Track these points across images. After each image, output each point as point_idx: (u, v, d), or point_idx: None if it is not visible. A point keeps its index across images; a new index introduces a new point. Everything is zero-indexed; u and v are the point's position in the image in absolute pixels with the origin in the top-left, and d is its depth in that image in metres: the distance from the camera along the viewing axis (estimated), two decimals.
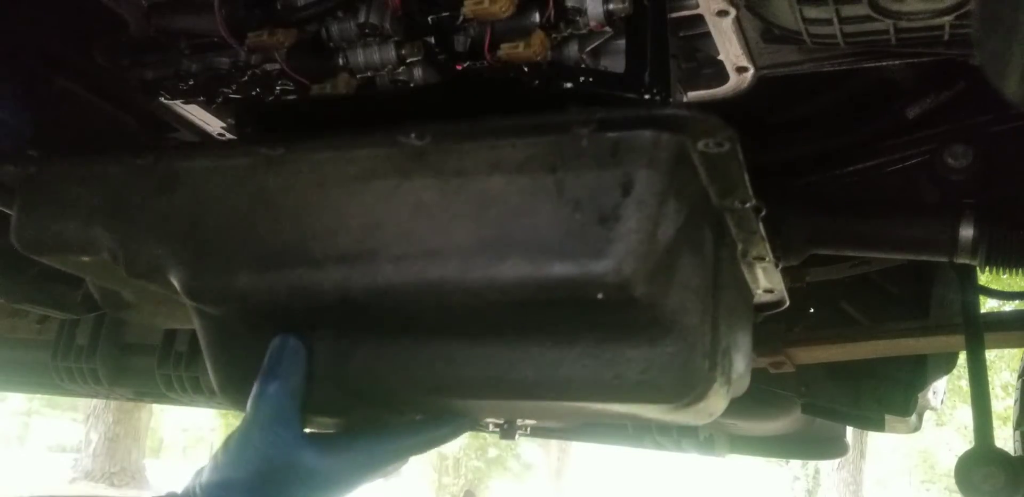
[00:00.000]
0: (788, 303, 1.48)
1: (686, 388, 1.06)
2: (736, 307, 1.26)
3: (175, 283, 1.15)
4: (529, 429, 3.08)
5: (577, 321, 1.05)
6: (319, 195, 1.09)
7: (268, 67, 1.52)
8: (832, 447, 3.08)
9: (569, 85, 1.39)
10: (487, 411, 1.50)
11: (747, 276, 1.34)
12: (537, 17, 1.35)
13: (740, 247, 1.24)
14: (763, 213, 1.17)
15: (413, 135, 1.04)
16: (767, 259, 1.29)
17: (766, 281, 1.38)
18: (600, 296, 0.96)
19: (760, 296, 1.43)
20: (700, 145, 0.99)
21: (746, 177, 1.09)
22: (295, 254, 1.08)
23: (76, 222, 1.20)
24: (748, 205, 1.15)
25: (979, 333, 1.99)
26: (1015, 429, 2.77)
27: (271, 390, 1.16)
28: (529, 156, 1.01)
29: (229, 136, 1.85)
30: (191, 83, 1.56)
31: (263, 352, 1.17)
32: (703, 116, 0.96)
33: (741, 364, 1.30)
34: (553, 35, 1.37)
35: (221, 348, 1.23)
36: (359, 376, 1.16)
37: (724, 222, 1.17)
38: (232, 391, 1.25)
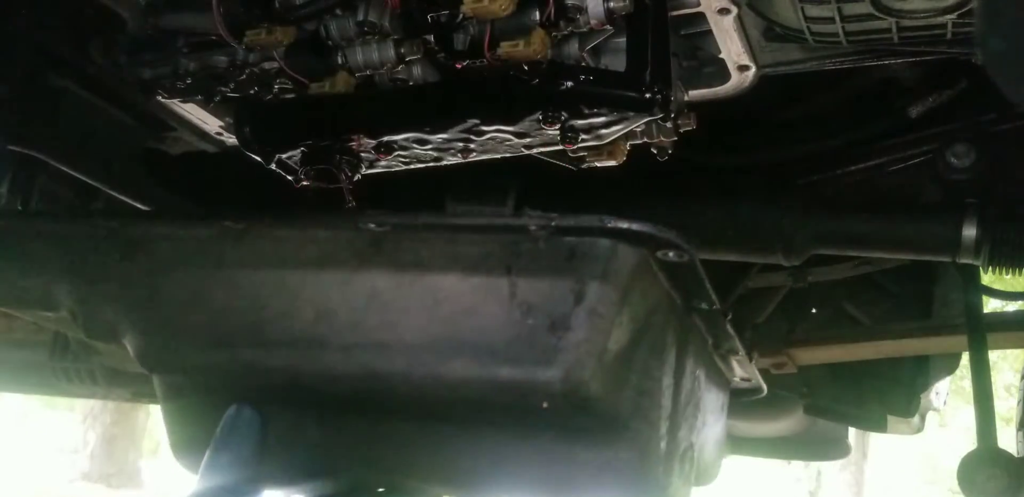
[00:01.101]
0: (766, 391, 1.47)
1: (640, 493, 1.06)
2: (705, 400, 1.24)
3: (129, 349, 1.15)
4: None
5: (532, 418, 1.03)
6: (277, 274, 1.08)
7: (266, 66, 1.51)
8: (834, 448, 3.07)
9: (569, 84, 1.38)
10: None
11: (721, 366, 1.33)
12: (537, 15, 1.34)
13: (711, 341, 1.23)
14: (729, 316, 1.16)
15: (373, 224, 1.03)
16: (740, 353, 1.28)
17: (741, 371, 1.36)
18: (545, 404, 0.95)
19: (737, 383, 1.42)
20: (659, 254, 0.98)
21: (707, 285, 1.07)
22: (248, 333, 1.08)
23: (40, 280, 1.20)
24: (714, 308, 1.13)
25: (982, 333, 1.99)
26: (1018, 430, 2.76)
27: (223, 460, 1.14)
28: (486, 254, 0.99)
29: (227, 135, 1.84)
30: (189, 82, 1.55)
31: (218, 418, 1.16)
32: (662, 232, 0.95)
33: (710, 454, 1.28)
34: (553, 33, 1.36)
35: (176, 411, 1.22)
36: (312, 451, 1.15)
37: (692, 321, 1.15)
38: (185, 455, 1.23)
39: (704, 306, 1.11)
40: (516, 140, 1.53)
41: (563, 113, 1.40)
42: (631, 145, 1.62)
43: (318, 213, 1.13)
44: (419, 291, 1.01)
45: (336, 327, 1.04)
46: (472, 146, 1.56)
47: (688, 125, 1.61)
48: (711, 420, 1.28)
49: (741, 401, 2.94)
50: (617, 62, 1.42)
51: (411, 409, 1.07)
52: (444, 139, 1.53)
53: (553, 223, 0.96)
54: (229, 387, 1.13)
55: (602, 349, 0.94)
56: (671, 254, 0.97)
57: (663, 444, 1.07)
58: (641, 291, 0.99)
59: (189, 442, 1.21)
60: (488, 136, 1.52)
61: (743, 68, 1.55)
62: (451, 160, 1.62)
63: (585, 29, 1.36)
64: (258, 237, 1.10)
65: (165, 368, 1.15)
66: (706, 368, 1.24)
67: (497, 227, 0.99)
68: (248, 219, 1.10)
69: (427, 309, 1.00)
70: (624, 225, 0.94)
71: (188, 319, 1.11)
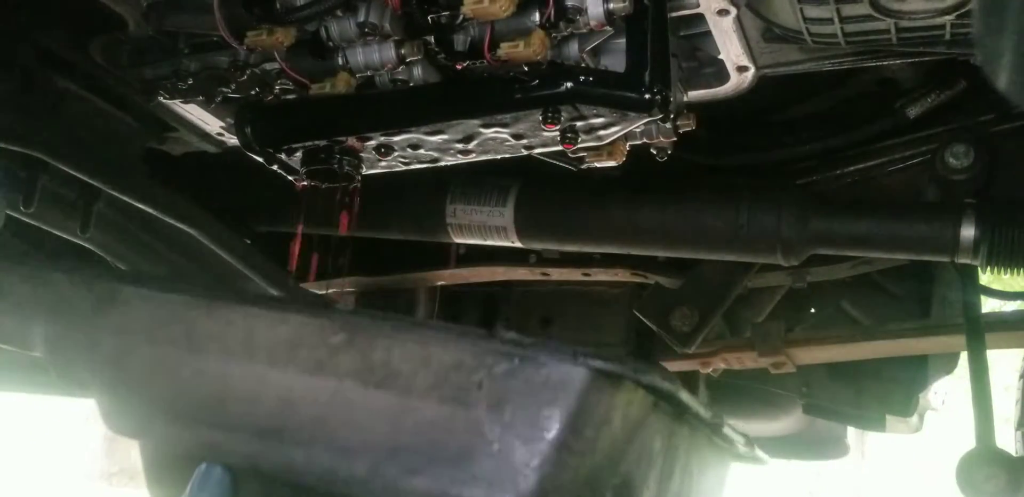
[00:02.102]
0: (768, 462, 1.45)
1: None
2: (699, 487, 1.19)
3: (96, 405, 1.12)
4: None
5: None
6: (245, 352, 1.04)
7: (267, 66, 1.52)
8: (833, 448, 3.08)
9: (569, 84, 1.39)
10: None
11: (723, 444, 1.28)
12: (537, 16, 1.34)
13: (709, 430, 1.18)
14: (723, 427, 1.13)
15: (349, 312, 1.01)
16: (742, 441, 1.25)
17: (744, 448, 1.31)
18: None
19: (741, 452, 1.41)
20: (645, 380, 0.94)
21: (699, 409, 1.04)
22: (212, 412, 1.04)
23: (16, 319, 1.18)
24: (712, 420, 1.10)
25: (980, 333, 1.99)
26: (1016, 430, 2.76)
27: None
28: (459, 362, 0.94)
29: (228, 136, 1.85)
30: (190, 82, 1.56)
31: (189, 476, 1.11)
32: (645, 369, 0.91)
33: None
34: (553, 34, 1.37)
35: (149, 467, 1.18)
36: None
37: (683, 423, 1.10)
38: None
39: (695, 420, 1.08)
40: (516, 141, 1.53)
41: (563, 114, 1.41)
42: (631, 145, 1.63)
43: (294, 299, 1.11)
44: (387, 394, 0.96)
45: (299, 421, 0.99)
46: (472, 147, 1.56)
47: (688, 125, 1.61)
48: None
49: (741, 402, 2.93)
50: (617, 63, 1.42)
51: None
52: (444, 140, 1.53)
53: (527, 350, 0.92)
54: (194, 458, 1.08)
55: (571, 482, 0.90)
56: (657, 381, 0.93)
57: None
58: (622, 414, 0.95)
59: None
60: (488, 137, 1.52)
61: (742, 69, 1.55)
62: (451, 160, 1.62)
63: (585, 30, 1.36)
64: (231, 309, 1.06)
65: (128, 433, 1.12)
66: (701, 456, 1.20)
67: (473, 334, 0.95)
68: (222, 290, 1.08)
69: (394, 415, 0.95)
70: (600, 364, 0.89)
71: (154, 386, 1.08)
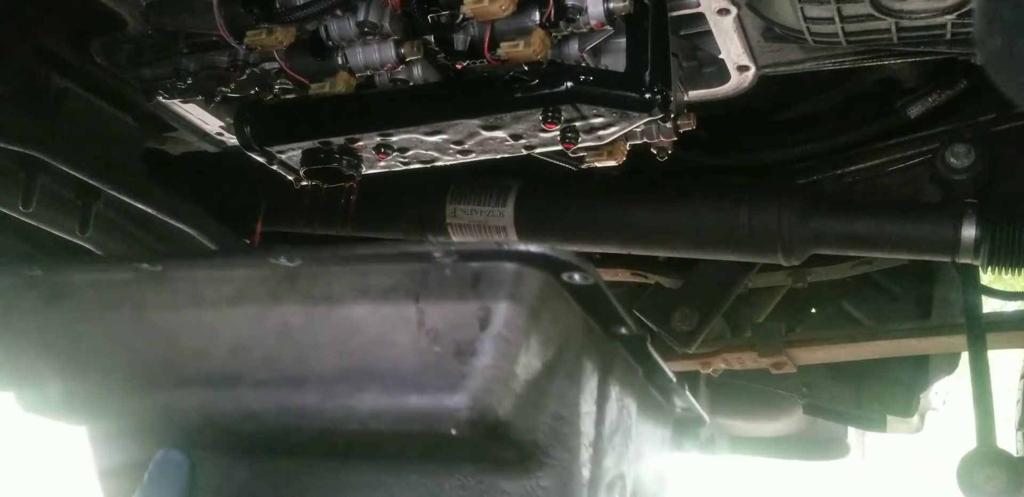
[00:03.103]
0: (708, 420, 1.47)
1: None
2: (638, 431, 1.23)
3: (53, 395, 1.14)
4: None
5: (453, 450, 1.03)
6: (194, 314, 1.07)
7: (267, 66, 1.51)
8: (833, 448, 3.08)
9: (569, 84, 1.38)
10: None
11: (659, 398, 1.32)
12: (537, 16, 1.34)
13: (641, 371, 1.22)
14: (649, 340, 1.15)
15: (283, 258, 1.02)
16: (672, 382, 1.27)
17: (679, 401, 1.36)
18: (454, 432, 0.94)
19: (679, 413, 1.42)
20: (564, 277, 0.97)
21: (618, 308, 1.06)
22: (165, 375, 1.07)
23: None
24: (633, 333, 1.11)
25: (981, 333, 1.99)
26: (1017, 430, 2.76)
27: None
28: (395, 284, 0.99)
29: (228, 135, 1.84)
30: (189, 82, 1.55)
31: (147, 463, 1.14)
32: (560, 254, 0.94)
33: (649, 487, 1.27)
34: (553, 34, 1.36)
35: (105, 456, 1.22)
36: (242, 494, 1.13)
37: (615, 348, 1.14)
38: None
39: (623, 331, 1.10)
40: (516, 141, 1.53)
41: (563, 113, 1.40)
42: (631, 145, 1.63)
43: (233, 254, 1.14)
44: (330, 324, 1.01)
45: (251, 364, 1.03)
46: (472, 146, 1.56)
47: (688, 125, 1.61)
48: (648, 452, 1.27)
49: (741, 402, 2.92)
50: (617, 62, 1.42)
51: (331, 447, 1.06)
52: (444, 139, 1.53)
53: (458, 248, 0.96)
54: (154, 432, 1.13)
55: (510, 374, 0.94)
56: (576, 276, 0.95)
57: (586, 472, 1.05)
58: (551, 315, 0.98)
59: (120, 488, 1.19)
60: (488, 136, 1.52)
61: (743, 68, 1.55)
62: (451, 160, 1.62)
63: (585, 29, 1.36)
64: (176, 279, 1.09)
65: (92, 416, 1.15)
66: (638, 398, 1.22)
67: (404, 256, 0.99)
68: (165, 260, 1.09)
69: (339, 342, 1.00)
70: (522, 248, 0.93)
71: (110, 364, 1.11)
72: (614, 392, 1.13)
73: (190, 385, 1.06)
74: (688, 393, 1.33)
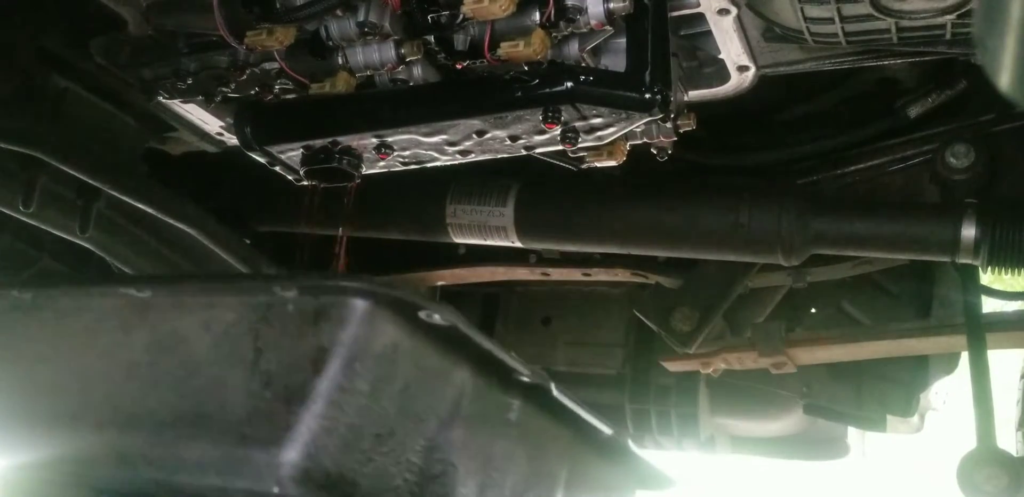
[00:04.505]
0: (675, 483, 1.29)
1: None
2: (510, 456, 1.06)
3: None
4: None
5: None
6: (53, 345, 1.02)
7: (267, 66, 1.52)
8: (833, 448, 3.07)
9: (570, 84, 1.39)
10: None
11: (598, 457, 1.17)
12: (537, 16, 1.34)
13: (518, 403, 1.07)
14: (553, 389, 1.03)
15: (134, 288, 0.96)
16: (610, 435, 1.13)
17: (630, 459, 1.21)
18: (276, 490, 0.83)
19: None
20: (422, 316, 0.88)
21: (497, 354, 0.97)
22: (29, 410, 1.01)
23: None
24: (532, 380, 1.02)
25: (981, 333, 1.99)
26: (1016, 430, 2.76)
27: None
28: (237, 318, 0.91)
29: (228, 135, 1.84)
30: (190, 82, 1.56)
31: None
32: (414, 293, 0.87)
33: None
34: (553, 34, 1.36)
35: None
36: None
37: (510, 398, 1.03)
38: None
39: (522, 378, 1.00)
40: (515, 141, 1.53)
41: (563, 113, 1.40)
42: (631, 145, 1.63)
43: (94, 281, 1.09)
44: (173, 362, 0.93)
45: (95, 402, 0.95)
46: (471, 146, 1.56)
47: (688, 125, 1.61)
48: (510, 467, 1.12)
49: (741, 402, 2.91)
50: (617, 63, 1.42)
51: None
52: (443, 140, 1.53)
53: (299, 282, 0.88)
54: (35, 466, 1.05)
55: (348, 425, 0.84)
56: (436, 316, 0.87)
57: None
58: (407, 358, 0.89)
59: None
60: (488, 136, 1.52)
61: (743, 68, 1.55)
62: (450, 160, 1.62)
63: (585, 30, 1.36)
64: (43, 307, 1.04)
65: None
66: (491, 421, 1.08)
67: (247, 288, 0.92)
68: (35, 288, 1.04)
69: (179, 381, 0.91)
70: (368, 284, 0.84)
71: None
72: (479, 422, 1.01)
73: (39, 424, 0.99)
74: (634, 448, 1.18)
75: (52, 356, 1.02)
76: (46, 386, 1.01)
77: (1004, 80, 0.98)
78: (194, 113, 1.77)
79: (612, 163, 1.62)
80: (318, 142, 1.53)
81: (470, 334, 0.91)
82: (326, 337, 0.85)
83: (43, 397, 1.01)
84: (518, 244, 2.12)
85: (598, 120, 1.44)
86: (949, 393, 2.76)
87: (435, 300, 0.90)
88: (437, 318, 0.87)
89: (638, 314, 2.32)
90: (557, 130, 1.45)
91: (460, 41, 1.40)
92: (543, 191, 2.09)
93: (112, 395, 0.95)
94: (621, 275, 2.38)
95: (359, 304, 0.85)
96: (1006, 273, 1.84)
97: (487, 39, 1.36)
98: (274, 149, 1.56)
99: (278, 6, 1.40)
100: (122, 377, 0.95)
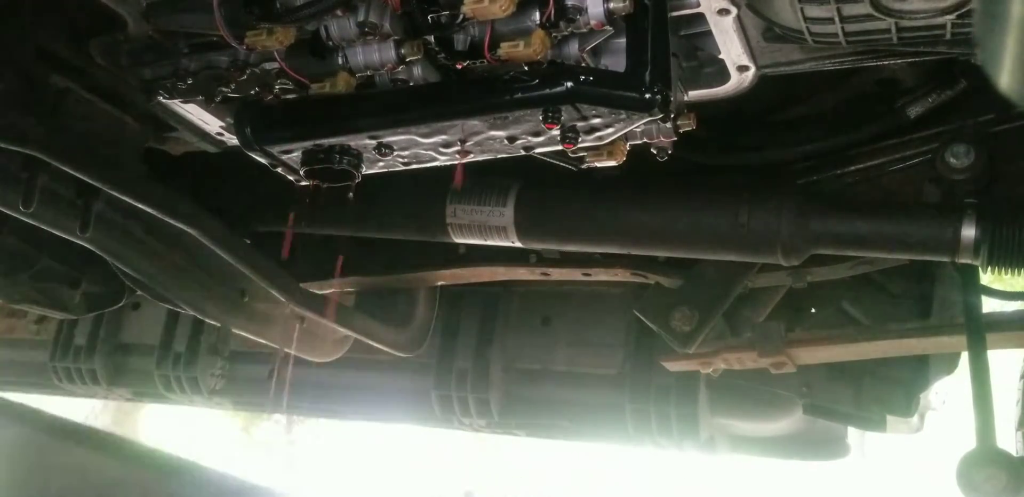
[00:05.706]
0: None
1: None
2: None
3: None
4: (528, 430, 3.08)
5: None
6: None
7: (267, 66, 1.52)
8: (833, 448, 3.07)
9: (569, 84, 1.39)
10: None
11: None
12: (537, 16, 1.34)
13: None
14: None
15: None
16: None
17: None
18: None
19: None
20: None
21: None
22: None
23: None
24: None
25: (981, 334, 1.99)
26: (1016, 430, 2.76)
27: None
28: None
29: (228, 135, 1.84)
30: (190, 82, 1.56)
31: None
32: None
33: None
34: (553, 34, 1.36)
35: None
36: None
37: None
38: None
39: None
40: (515, 141, 1.53)
41: (563, 113, 1.40)
42: (631, 145, 1.63)
43: None
44: None
45: None
46: (471, 147, 1.56)
47: (688, 125, 1.61)
48: None
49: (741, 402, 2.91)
50: (617, 63, 1.42)
51: None
52: (443, 140, 1.53)
53: None
54: None
55: None
56: None
57: None
58: None
59: None
60: (487, 137, 1.52)
61: (743, 68, 1.55)
62: (450, 160, 1.62)
63: (585, 30, 1.36)
64: None
65: None
66: None
67: None
68: None
69: None
70: None
71: None
72: None
73: None
74: None
75: None
76: None
77: (1004, 80, 0.98)
78: (194, 113, 1.77)
79: (612, 163, 1.62)
80: (318, 142, 1.53)
81: None
82: None
83: None
84: (518, 244, 2.12)
85: (598, 120, 1.44)
86: (949, 393, 2.76)
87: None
88: None
89: (638, 314, 2.32)
90: (557, 130, 1.45)
91: (460, 41, 1.40)
92: (543, 191, 2.09)
93: None
94: (621, 275, 2.38)
95: None
96: (1006, 273, 1.83)
97: (487, 39, 1.37)
98: (274, 149, 1.56)
99: (278, 6, 1.40)
100: None
